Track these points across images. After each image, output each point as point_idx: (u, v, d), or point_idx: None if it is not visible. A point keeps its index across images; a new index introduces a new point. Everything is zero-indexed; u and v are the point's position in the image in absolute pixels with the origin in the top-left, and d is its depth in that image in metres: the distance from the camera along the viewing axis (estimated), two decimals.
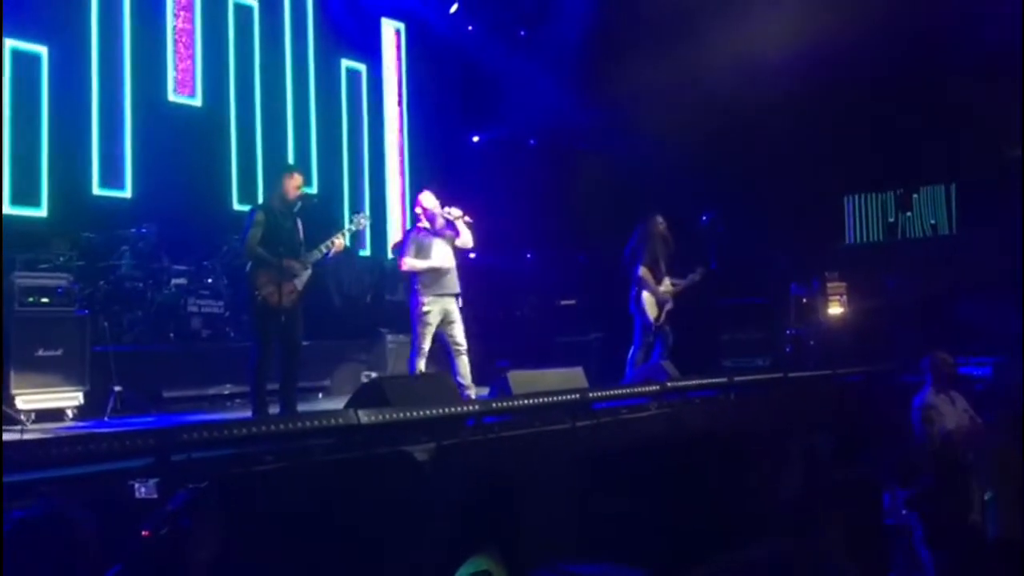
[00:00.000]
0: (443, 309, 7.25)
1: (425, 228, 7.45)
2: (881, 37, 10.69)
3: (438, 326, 7.23)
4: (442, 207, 7.48)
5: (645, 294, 8.33)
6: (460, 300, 7.40)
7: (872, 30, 10.63)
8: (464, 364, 7.24)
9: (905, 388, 6.95)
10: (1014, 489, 3.47)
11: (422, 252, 7.32)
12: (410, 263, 7.29)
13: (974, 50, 10.21)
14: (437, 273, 7.27)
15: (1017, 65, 9.80)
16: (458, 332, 7.29)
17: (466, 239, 7.44)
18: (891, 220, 12.12)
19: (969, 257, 10.66)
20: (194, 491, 2.94)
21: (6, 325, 6.57)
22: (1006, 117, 10.37)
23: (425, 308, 7.18)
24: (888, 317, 10.39)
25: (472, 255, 11.73)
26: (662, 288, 8.50)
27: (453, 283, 7.35)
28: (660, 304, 8.41)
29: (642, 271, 8.38)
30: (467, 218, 7.46)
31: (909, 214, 12.11)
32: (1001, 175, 10.76)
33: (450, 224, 7.42)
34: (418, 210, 7.60)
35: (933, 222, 11.94)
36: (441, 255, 7.33)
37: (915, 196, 12.12)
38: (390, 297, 11.23)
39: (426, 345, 7.18)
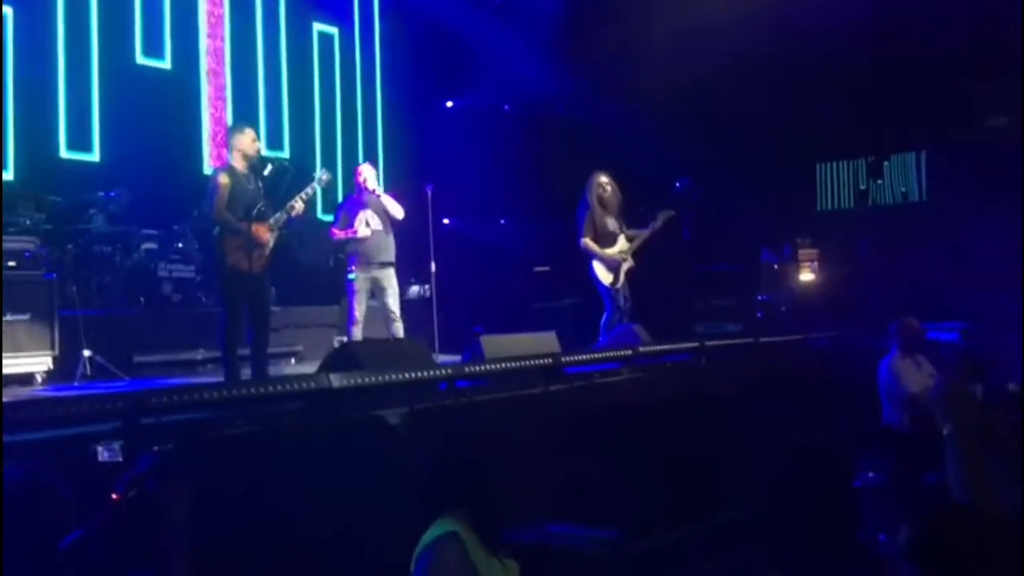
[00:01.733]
0: (371, 278, 7.48)
1: (355, 199, 7.67)
2: (853, 3, 10.69)
3: (371, 295, 7.46)
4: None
5: (595, 263, 8.22)
6: (394, 268, 7.64)
7: None
8: (399, 332, 7.45)
9: (874, 352, 7.02)
10: (970, 440, 3.50)
11: (347, 222, 7.54)
12: (336, 233, 7.57)
13: (947, 17, 10.24)
14: (362, 243, 7.49)
15: (994, 31, 9.84)
16: (391, 301, 7.53)
17: (395, 210, 7.62)
18: (862, 187, 12.19)
19: (939, 224, 10.77)
20: (161, 454, 2.92)
21: None
22: (979, 84, 10.43)
23: (351, 276, 7.46)
24: (858, 283, 10.50)
25: (446, 221, 11.79)
26: (614, 250, 8.28)
27: (382, 252, 7.55)
28: (613, 268, 8.23)
29: (583, 243, 8.16)
30: (377, 192, 7.64)
31: (880, 181, 12.19)
32: (972, 144, 10.84)
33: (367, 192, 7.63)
34: (361, 179, 7.74)
35: (904, 190, 12.02)
36: (368, 225, 7.50)
37: (886, 163, 12.19)
38: None
39: (358, 314, 7.41)
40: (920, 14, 10.40)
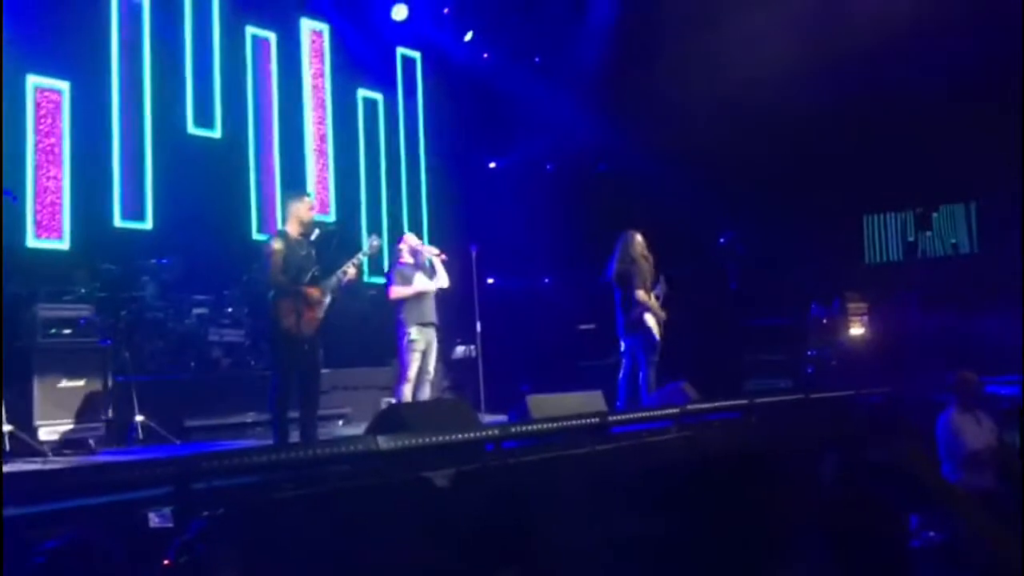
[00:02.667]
0: (427, 339, 7.76)
1: (408, 263, 7.94)
2: (900, 54, 10.67)
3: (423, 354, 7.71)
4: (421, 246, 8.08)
5: (647, 316, 8.29)
6: (439, 331, 7.97)
7: (891, 47, 10.63)
8: (427, 392, 7.76)
9: (930, 407, 6.86)
10: None
11: (406, 283, 7.78)
12: (397, 291, 7.74)
13: (996, 64, 10.17)
14: (420, 301, 7.76)
15: None
16: (432, 360, 7.84)
17: (442, 278, 7.97)
18: (910, 239, 12.04)
19: (992, 275, 10.57)
20: (210, 519, 2.94)
21: (6, 352, 6.56)
22: None
23: (413, 337, 7.65)
24: (911, 337, 10.30)
25: (490, 281, 11.85)
26: (656, 305, 8.46)
27: (433, 313, 7.84)
28: (660, 322, 8.39)
29: (640, 294, 8.31)
30: (443, 256, 8.01)
31: (929, 233, 12.04)
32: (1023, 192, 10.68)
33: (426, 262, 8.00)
34: (402, 247, 8.08)
35: (954, 241, 11.85)
36: (423, 285, 7.83)
37: (935, 215, 12.05)
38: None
39: (412, 373, 7.63)
40: (967, 63, 10.35)
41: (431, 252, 8.01)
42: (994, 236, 11.32)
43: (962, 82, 10.45)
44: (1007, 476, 5.78)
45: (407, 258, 7.98)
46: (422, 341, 7.70)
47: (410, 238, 8.20)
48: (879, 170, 11.14)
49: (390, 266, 8.07)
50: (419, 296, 7.77)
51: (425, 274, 7.91)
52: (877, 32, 10.56)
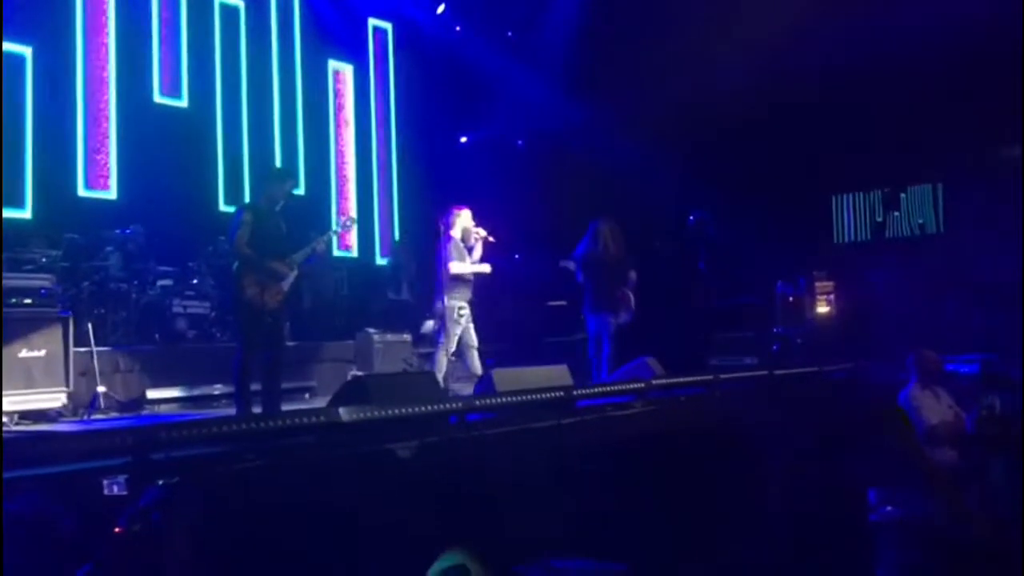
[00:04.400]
0: (469, 313, 7.99)
1: (459, 239, 8.06)
2: (867, 35, 10.70)
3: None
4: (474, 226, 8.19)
5: (617, 299, 8.44)
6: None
7: (858, 28, 10.66)
8: (476, 358, 7.99)
9: (892, 385, 6.95)
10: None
11: (462, 258, 7.97)
12: (458, 267, 7.91)
13: (962, 48, 10.23)
14: (471, 281, 8.01)
15: (1007, 63, 9.82)
16: (473, 331, 8.05)
17: (476, 257, 8.14)
18: (879, 219, 12.14)
19: (957, 256, 10.69)
20: (166, 487, 2.91)
21: None
22: (995, 115, 10.41)
23: (461, 311, 7.87)
24: (875, 315, 10.41)
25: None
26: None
27: (470, 291, 8.10)
28: (626, 308, 8.56)
29: (633, 273, 8.47)
30: (491, 239, 8.19)
31: (897, 213, 12.14)
32: (992, 174, 10.80)
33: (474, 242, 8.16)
34: (457, 221, 8.12)
35: (921, 221, 11.96)
36: (477, 266, 8.09)
37: (903, 195, 12.15)
38: (380, 299, 11.21)
39: (453, 344, 7.84)
40: (935, 48, 10.40)
41: (480, 234, 8.13)
42: (960, 217, 11.44)
43: (930, 63, 10.52)
44: (963, 452, 5.88)
45: (457, 232, 8.06)
46: (467, 315, 7.93)
47: (465, 215, 8.21)
48: (848, 151, 11.21)
49: (442, 242, 8.00)
50: (466, 274, 7.97)
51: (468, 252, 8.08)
52: (845, 12, 10.58)
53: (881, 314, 10.32)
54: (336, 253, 11.47)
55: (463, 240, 8.09)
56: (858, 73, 10.93)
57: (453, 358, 7.93)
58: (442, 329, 7.93)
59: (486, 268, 8.13)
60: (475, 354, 8.03)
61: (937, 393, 6.62)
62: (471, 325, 8.01)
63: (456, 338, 7.85)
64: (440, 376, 7.59)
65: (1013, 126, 10.56)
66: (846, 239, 12.26)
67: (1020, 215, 9.61)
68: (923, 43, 10.37)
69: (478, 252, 8.14)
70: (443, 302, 7.89)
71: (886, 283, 10.96)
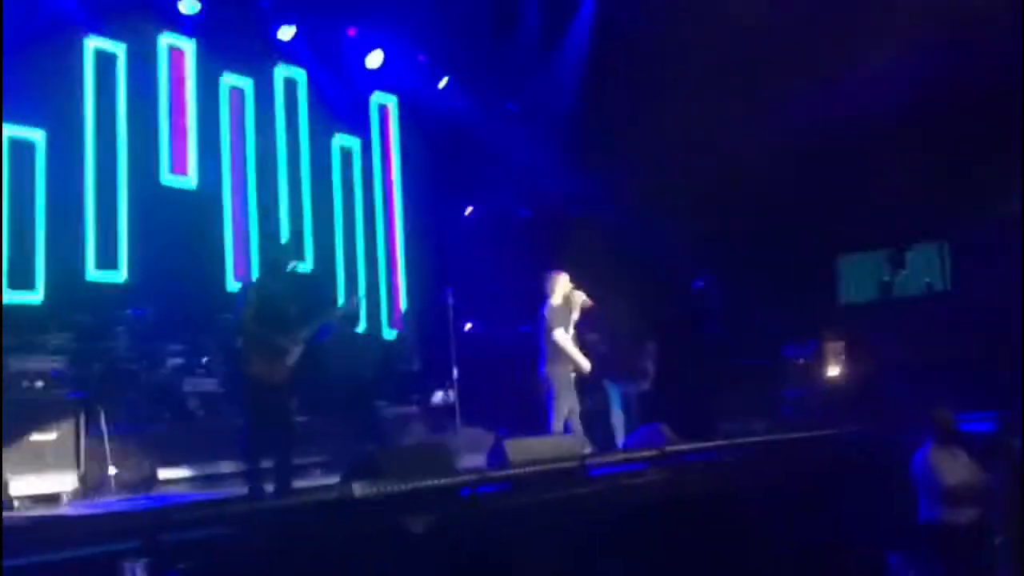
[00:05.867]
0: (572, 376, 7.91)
1: (560, 305, 7.95)
2: (870, 96, 10.84)
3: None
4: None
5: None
6: None
7: (861, 88, 10.80)
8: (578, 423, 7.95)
9: (905, 446, 6.88)
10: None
11: (567, 326, 7.85)
12: (562, 337, 7.78)
13: (967, 105, 10.36)
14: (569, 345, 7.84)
15: (1012, 120, 9.93)
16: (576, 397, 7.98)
17: (575, 318, 8.04)
18: (885, 279, 12.14)
19: (965, 314, 10.66)
20: (184, 572, 2.89)
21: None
22: (1000, 173, 10.48)
23: (570, 376, 7.79)
24: (887, 376, 10.34)
25: (469, 326, 11.83)
26: None
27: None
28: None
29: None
30: (591, 303, 8.07)
31: (903, 272, 12.15)
32: (996, 232, 10.83)
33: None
34: (556, 287, 8.04)
35: (928, 280, 11.97)
36: (571, 330, 7.99)
37: (908, 254, 12.16)
38: (389, 371, 11.19)
39: (566, 410, 7.76)
40: (940, 105, 10.53)
41: (582, 298, 8.01)
42: (967, 275, 11.45)
43: (932, 123, 10.64)
44: (986, 511, 5.79)
45: (558, 300, 7.96)
46: (573, 380, 7.83)
47: (564, 280, 8.09)
48: (853, 210, 11.26)
49: (544, 309, 7.96)
50: (572, 337, 7.89)
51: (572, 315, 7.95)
52: (850, 74, 10.74)
53: (892, 375, 10.26)
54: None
55: (565, 304, 7.94)
56: (862, 132, 11.04)
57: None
58: (550, 399, 7.77)
59: (584, 366, 7.86)
60: (577, 419, 7.91)
61: (954, 452, 6.55)
62: (574, 392, 7.87)
63: (566, 408, 7.75)
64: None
65: (1018, 183, 10.64)
66: (853, 299, 12.25)
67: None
68: (928, 100, 10.50)
69: (576, 316, 8.01)
70: (546, 369, 7.77)
71: (895, 343, 10.92)
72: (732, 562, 5.11)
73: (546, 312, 7.80)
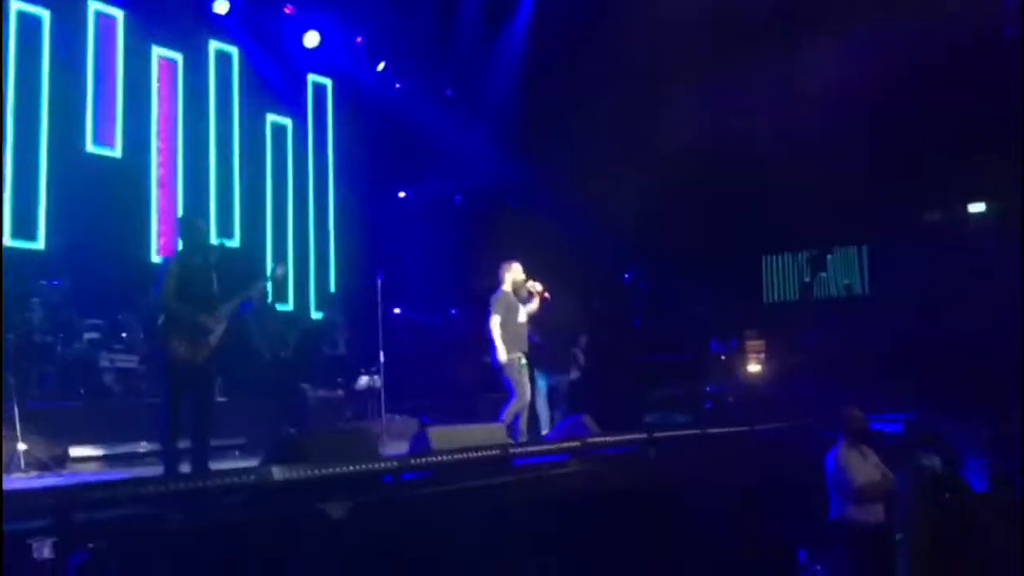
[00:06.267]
0: (524, 363, 7.90)
1: (508, 292, 7.96)
2: (795, 101, 11.09)
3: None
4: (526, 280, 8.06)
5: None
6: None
7: (787, 94, 11.04)
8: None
9: (821, 444, 7.07)
10: (920, 545, 3.56)
11: (511, 314, 7.83)
12: (495, 325, 7.76)
13: (885, 116, 10.66)
14: (519, 333, 7.86)
15: (930, 131, 10.26)
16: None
17: (534, 308, 8.09)
18: (807, 280, 12.46)
19: (882, 317, 10.99)
20: (95, 551, 2.83)
21: None
22: (918, 181, 10.82)
23: (522, 361, 7.80)
24: (804, 375, 10.61)
25: (397, 311, 11.78)
26: None
27: (526, 343, 7.99)
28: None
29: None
30: (546, 295, 8.11)
31: (824, 274, 12.47)
32: (912, 238, 11.19)
33: (529, 295, 8.08)
34: (506, 276, 8.02)
35: (847, 282, 12.30)
36: (523, 318, 7.95)
37: (829, 257, 12.49)
38: (315, 352, 11.07)
39: (528, 393, 7.85)
40: (862, 113, 10.81)
41: (536, 288, 8.04)
42: (884, 278, 11.79)
43: (854, 131, 10.92)
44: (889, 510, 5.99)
45: (507, 287, 7.97)
46: (526, 367, 7.88)
47: (516, 269, 8.09)
48: (777, 213, 11.51)
49: (494, 293, 7.96)
50: (521, 325, 7.88)
51: (523, 307, 7.99)
52: (776, 83, 10.96)
53: (810, 374, 10.53)
54: (278, 307, 11.33)
55: (515, 293, 7.97)
56: (787, 137, 11.29)
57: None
58: (508, 382, 7.75)
59: (501, 355, 7.71)
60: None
61: (864, 452, 6.74)
62: (525, 378, 7.95)
63: (527, 390, 7.81)
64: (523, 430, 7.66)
65: (934, 192, 11.00)
66: (776, 299, 12.54)
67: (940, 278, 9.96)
68: (850, 110, 10.78)
69: (534, 306, 8.06)
70: (497, 356, 7.74)
71: (814, 343, 11.21)
72: (648, 554, 5.20)
73: (492, 300, 7.84)
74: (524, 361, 7.85)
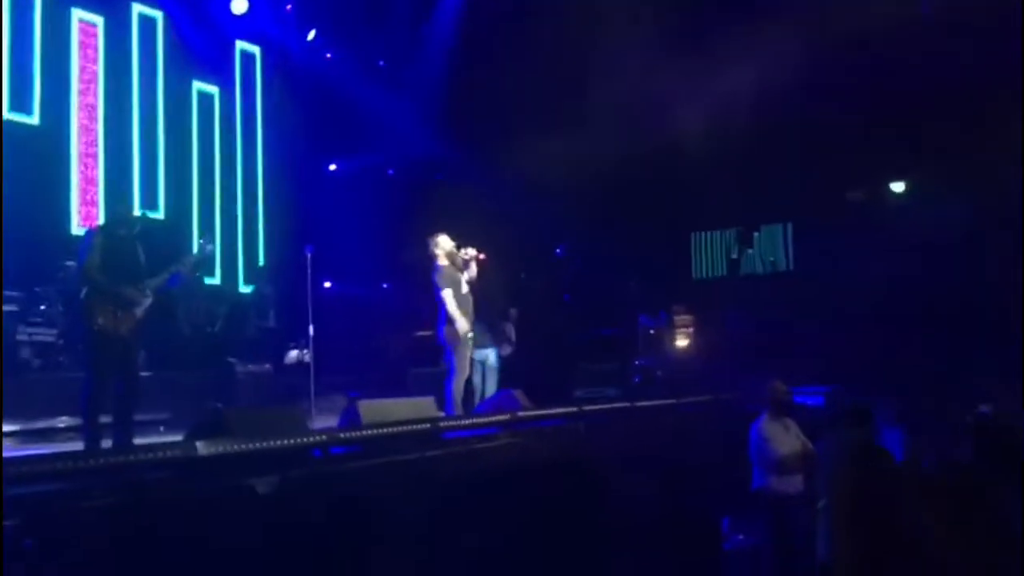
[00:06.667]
0: (471, 336, 7.91)
1: (448, 265, 7.90)
2: (726, 82, 11.22)
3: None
4: (457, 248, 7.99)
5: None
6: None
7: (719, 75, 11.17)
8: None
9: (745, 416, 7.22)
10: (843, 512, 3.67)
11: (456, 286, 7.80)
12: (448, 298, 7.74)
13: (811, 95, 10.86)
14: (467, 303, 7.85)
15: (853, 112, 10.50)
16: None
17: (473, 274, 8.06)
18: (734, 256, 12.69)
19: (805, 293, 11.27)
20: (11, 529, 2.75)
21: None
22: (840, 161, 11.08)
23: (468, 335, 7.79)
24: (731, 349, 10.84)
25: (328, 284, 11.67)
26: None
27: (472, 312, 8.00)
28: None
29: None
30: (481, 256, 8.10)
31: (750, 251, 12.72)
32: (834, 215, 11.47)
33: (465, 262, 8.02)
34: (437, 251, 7.93)
35: (772, 259, 12.57)
36: (465, 288, 7.93)
37: (756, 234, 12.74)
38: (244, 326, 10.92)
39: (468, 368, 7.85)
40: (787, 95, 11.01)
41: (470, 254, 8.00)
42: (807, 255, 12.08)
43: (781, 110, 11.12)
44: (811, 480, 6.15)
45: (444, 261, 7.89)
46: (472, 338, 7.90)
47: (444, 241, 8.00)
48: (705, 190, 11.69)
49: (433, 271, 7.88)
50: (465, 295, 7.84)
51: (463, 276, 7.94)
52: (703, 63, 11.07)
53: (736, 348, 10.76)
54: (206, 280, 11.12)
55: (452, 263, 7.92)
56: (715, 115, 11.44)
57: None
58: (451, 357, 7.76)
59: (463, 326, 7.75)
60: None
61: (786, 424, 6.91)
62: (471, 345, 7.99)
63: (467, 363, 7.81)
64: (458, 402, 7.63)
65: (855, 171, 11.27)
66: (704, 275, 12.75)
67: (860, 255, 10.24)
68: (775, 93, 10.96)
69: (473, 271, 8.02)
70: (445, 330, 7.73)
71: (741, 317, 11.45)
72: (577, 526, 5.26)
73: (435, 276, 7.79)
74: (471, 334, 7.90)
